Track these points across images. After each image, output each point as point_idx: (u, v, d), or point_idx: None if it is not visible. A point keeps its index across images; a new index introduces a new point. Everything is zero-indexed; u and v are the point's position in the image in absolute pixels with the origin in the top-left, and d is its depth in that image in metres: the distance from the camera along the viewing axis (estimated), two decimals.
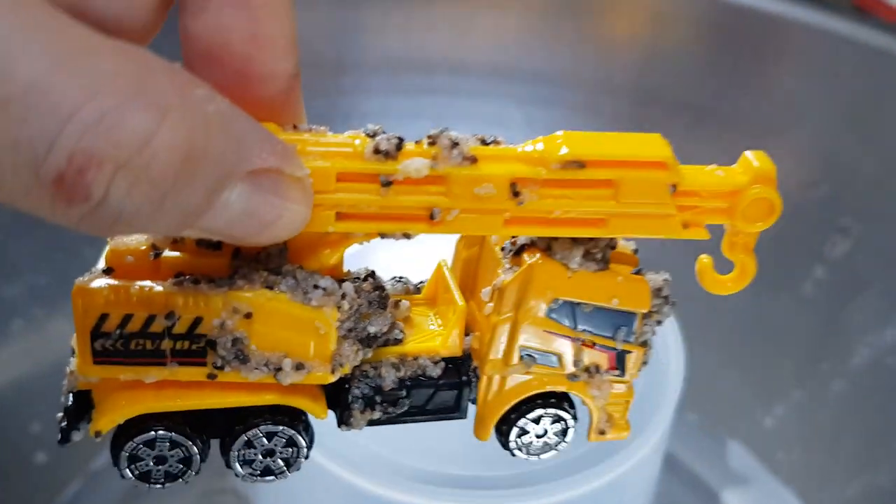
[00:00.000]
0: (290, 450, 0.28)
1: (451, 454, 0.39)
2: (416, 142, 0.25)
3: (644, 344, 0.29)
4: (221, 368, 0.25)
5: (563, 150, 0.25)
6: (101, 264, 0.26)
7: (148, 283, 0.25)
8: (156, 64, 0.19)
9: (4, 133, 0.16)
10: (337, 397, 0.28)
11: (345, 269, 0.27)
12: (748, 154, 0.28)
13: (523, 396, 0.29)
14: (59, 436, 0.26)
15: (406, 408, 0.28)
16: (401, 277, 0.31)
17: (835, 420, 0.66)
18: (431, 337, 0.29)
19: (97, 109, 0.17)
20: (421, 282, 0.31)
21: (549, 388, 0.29)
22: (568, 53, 0.74)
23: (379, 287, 0.27)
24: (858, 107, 0.68)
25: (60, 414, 0.26)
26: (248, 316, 0.25)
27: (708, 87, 0.72)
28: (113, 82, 0.17)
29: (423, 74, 0.75)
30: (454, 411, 0.29)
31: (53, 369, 0.65)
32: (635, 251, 0.29)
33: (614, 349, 0.29)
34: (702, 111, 0.72)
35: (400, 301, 0.29)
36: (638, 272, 0.29)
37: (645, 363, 0.30)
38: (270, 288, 0.25)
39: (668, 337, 0.45)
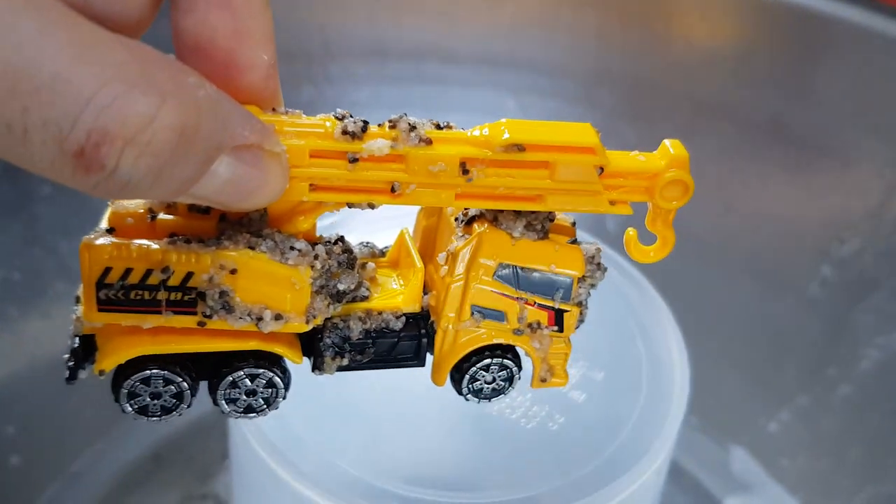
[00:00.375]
0: (270, 391, 0.31)
1: (440, 479, 0.37)
2: (379, 125, 0.29)
3: (580, 304, 0.33)
4: (210, 317, 0.29)
5: (506, 135, 0.29)
6: (104, 224, 0.29)
7: (146, 241, 0.28)
8: (154, 55, 0.22)
9: (36, 114, 0.20)
10: (311, 346, 0.31)
11: (317, 234, 0.31)
12: (666, 142, 0.32)
13: (474, 347, 0.33)
14: (67, 374, 0.29)
15: (371, 356, 0.32)
16: (367, 242, 0.35)
17: (841, 426, 0.64)
18: (394, 295, 0.33)
19: (109, 94, 0.21)
20: (385, 247, 0.35)
21: (496, 341, 0.33)
22: (565, 42, 0.72)
23: (348, 250, 0.31)
24: (858, 96, 0.65)
25: (67, 355, 0.29)
26: (234, 272, 0.29)
27: (708, 79, 0.70)
28: (121, 71, 0.21)
29: (413, 63, 0.72)
30: (414, 360, 0.33)
31: (27, 371, 0.63)
32: (573, 223, 0.34)
33: (553, 308, 0.33)
34: (701, 104, 0.70)
35: (367, 263, 0.33)
36: (573, 242, 0.33)
37: (581, 321, 0.34)
38: (252, 248, 0.29)
39: (673, 351, 0.43)
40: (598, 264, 0.33)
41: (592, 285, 0.33)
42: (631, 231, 0.33)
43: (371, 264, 0.34)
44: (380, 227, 0.39)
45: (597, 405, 0.40)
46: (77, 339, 0.29)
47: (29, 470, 0.60)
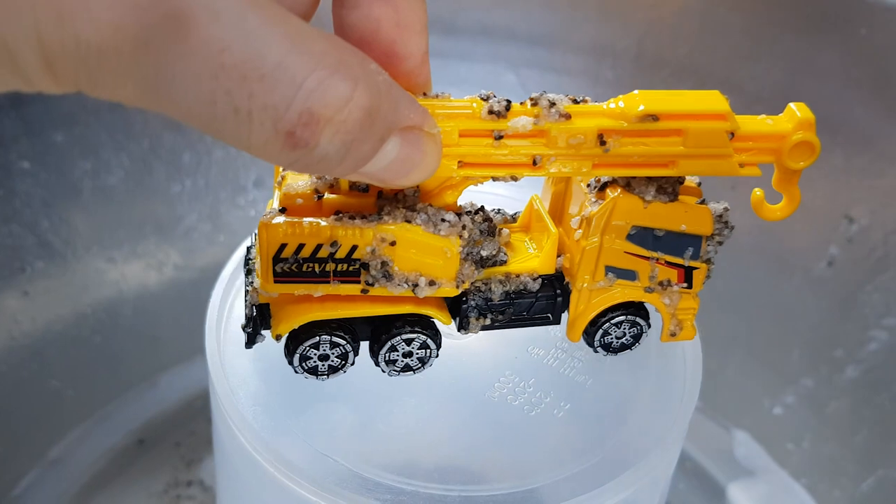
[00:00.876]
0: (424, 351, 0.35)
1: (436, 470, 0.35)
2: (521, 102, 0.31)
3: (708, 261, 0.35)
4: (372, 285, 0.32)
5: (641, 107, 0.31)
6: (276, 205, 0.33)
7: (315, 219, 0.32)
8: (345, 44, 0.25)
9: (260, 98, 0.23)
10: (456, 308, 0.34)
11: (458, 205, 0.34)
12: (792, 105, 0.33)
13: (608, 305, 0.35)
14: (246, 340, 0.34)
15: (511, 316, 0.35)
16: (499, 209, 0.38)
17: (848, 409, 0.63)
18: (530, 258, 0.35)
19: (316, 79, 0.23)
20: (516, 212, 0.38)
21: (628, 299, 0.35)
22: (566, 15, 0.69)
23: (488, 219, 0.34)
24: (871, 69, 0.63)
25: (244, 323, 0.34)
26: (393, 244, 0.32)
27: (713, 52, 0.67)
28: (323, 59, 0.23)
29: None
30: (550, 318, 0.36)
31: (4, 352, 0.60)
32: (699, 184, 0.36)
33: (682, 266, 0.35)
34: (707, 77, 0.68)
35: (502, 229, 0.36)
36: (702, 202, 0.35)
37: (708, 277, 0.36)
38: (409, 222, 0.32)
39: (686, 346, 0.41)
40: (726, 223, 0.35)
41: (720, 243, 0.35)
42: (758, 192, 0.35)
43: (506, 230, 0.36)
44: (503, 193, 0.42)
45: (604, 389, 0.38)
46: (254, 308, 0.33)
47: (6, 456, 0.58)
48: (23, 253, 0.60)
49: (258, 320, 0.33)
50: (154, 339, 0.65)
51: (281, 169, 0.34)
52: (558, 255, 0.36)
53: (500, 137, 0.31)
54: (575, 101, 0.32)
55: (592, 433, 0.36)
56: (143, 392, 0.63)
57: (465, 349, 0.38)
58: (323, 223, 0.31)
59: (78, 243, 0.62)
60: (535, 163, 0.32)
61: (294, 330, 0.33)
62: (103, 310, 0.63)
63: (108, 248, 0.64)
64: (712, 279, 0.36)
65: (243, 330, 0.34)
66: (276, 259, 0.31)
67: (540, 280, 0.35)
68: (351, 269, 0.32)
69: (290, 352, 0.34)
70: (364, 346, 0.35)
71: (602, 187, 0.35)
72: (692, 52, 0.68)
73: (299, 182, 0.33)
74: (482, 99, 0.31)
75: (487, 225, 0.34)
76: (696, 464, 0.64)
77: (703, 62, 0.68)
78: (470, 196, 0.35)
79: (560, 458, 0.35)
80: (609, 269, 0.35)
